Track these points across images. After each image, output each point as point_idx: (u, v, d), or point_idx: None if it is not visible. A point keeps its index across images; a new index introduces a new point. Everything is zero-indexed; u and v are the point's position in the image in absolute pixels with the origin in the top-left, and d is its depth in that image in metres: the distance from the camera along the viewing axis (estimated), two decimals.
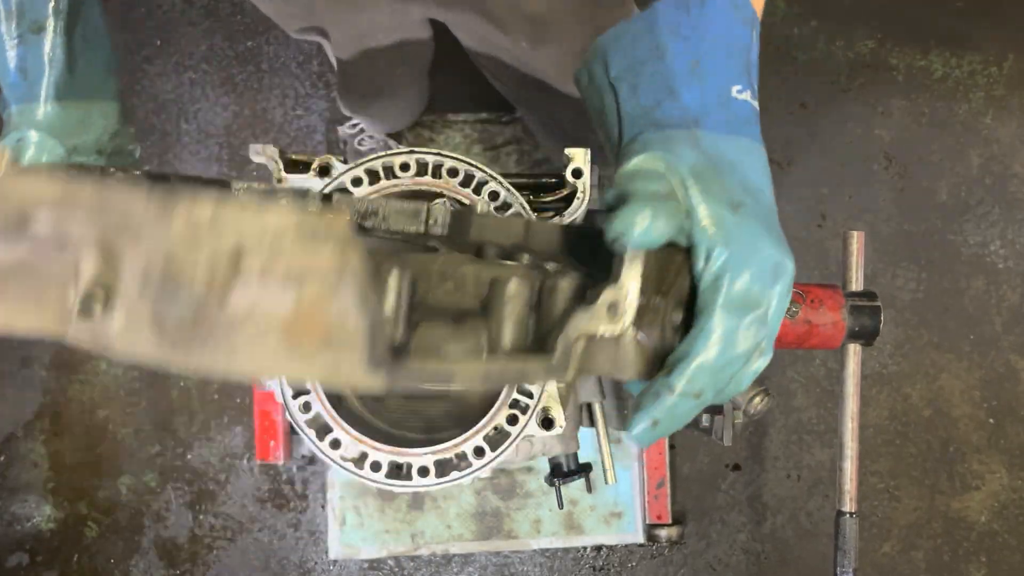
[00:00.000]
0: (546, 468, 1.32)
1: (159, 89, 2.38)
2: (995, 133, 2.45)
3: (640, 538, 2.23)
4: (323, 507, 2.27)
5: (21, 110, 0.84)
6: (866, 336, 1.26)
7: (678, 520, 2.27)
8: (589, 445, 1.27)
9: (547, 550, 2.27)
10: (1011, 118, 2.45)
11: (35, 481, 2.30)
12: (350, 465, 1.09)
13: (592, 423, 1.25)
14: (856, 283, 1.30)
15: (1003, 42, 2.47)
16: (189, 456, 2.31)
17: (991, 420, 2.38)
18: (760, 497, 2.34)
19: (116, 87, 0.93)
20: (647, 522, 2.21)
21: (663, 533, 2.23)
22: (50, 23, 0.85)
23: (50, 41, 0.85)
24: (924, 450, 2.37)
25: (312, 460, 2.30)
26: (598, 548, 2.30)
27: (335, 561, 2.27)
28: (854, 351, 1.31)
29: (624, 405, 1.26)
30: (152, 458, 2.30)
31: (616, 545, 2.28)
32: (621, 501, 2.20)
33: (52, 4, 0.86)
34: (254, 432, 2.11)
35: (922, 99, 2.45)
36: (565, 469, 1.29)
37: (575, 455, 1.29)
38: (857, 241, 1.31)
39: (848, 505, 1.32)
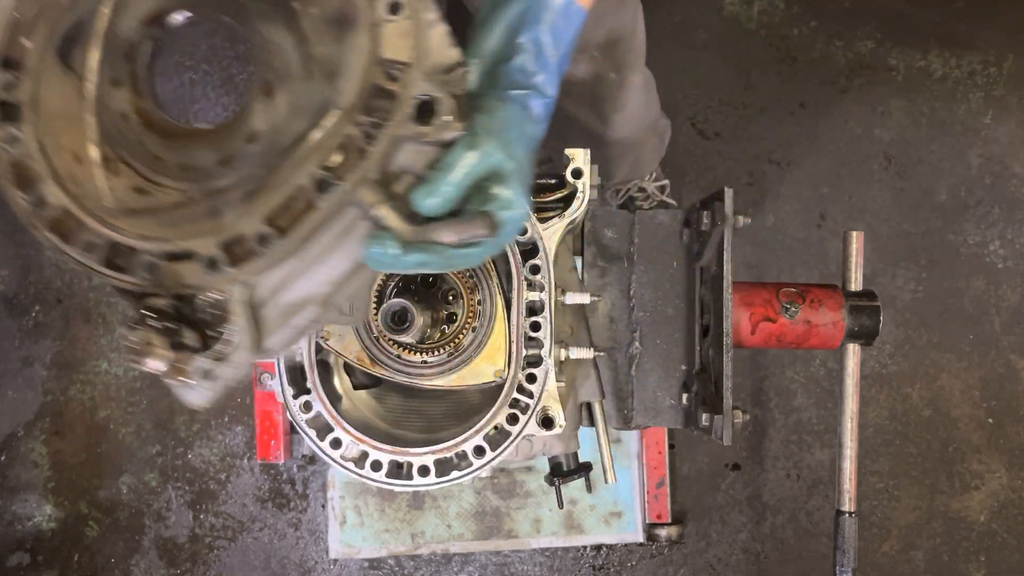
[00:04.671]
0: (546, 467, 1.32)
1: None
2: (995, 133, 2.45)
3: (640, 537, 2.23)
4: (323, 506, 2.27)
5: None
6: (865, 336, 1.27)
7: (678, 520, 2.27)
8: (589, 444, 1.27)
9: (547, 549, 2.27)
10: (1010, 118, 2.45)
11: (36, 481, 2.30)
12: (350, 464, 1.09)
13: (592, 423, 1.25)
14: (856, 283, 1.30)
15: (1003, 42, 2.47)
16: (190, 455, 2.31)
17: (991, 420, 2.38)
18: (760, 497, 2.34)
19: None
20: (647, 521, 2.22)
21: (663, 532, 2.23)
22: None
23: None
24: (924, 450, 2.37)
25: (312, 459, 2.30)
26: (598, 547, 2.30)
27: (335, 560, 2.28)
28: (853, 351, 1.32)
29: (624, 405, 1.26)
30: (153, 458, 2.31)
31: (616, 544, 2.28)
32: (621, 501, 2.20)
33: None
34: (255, 431, 2.11)
35: (922, 99, 2.45)
36: (565, 468, 1.29)
37: (575, 454, 1.30)
38: (857, 241, 1.31)
39: (847, 505, 1.32)
